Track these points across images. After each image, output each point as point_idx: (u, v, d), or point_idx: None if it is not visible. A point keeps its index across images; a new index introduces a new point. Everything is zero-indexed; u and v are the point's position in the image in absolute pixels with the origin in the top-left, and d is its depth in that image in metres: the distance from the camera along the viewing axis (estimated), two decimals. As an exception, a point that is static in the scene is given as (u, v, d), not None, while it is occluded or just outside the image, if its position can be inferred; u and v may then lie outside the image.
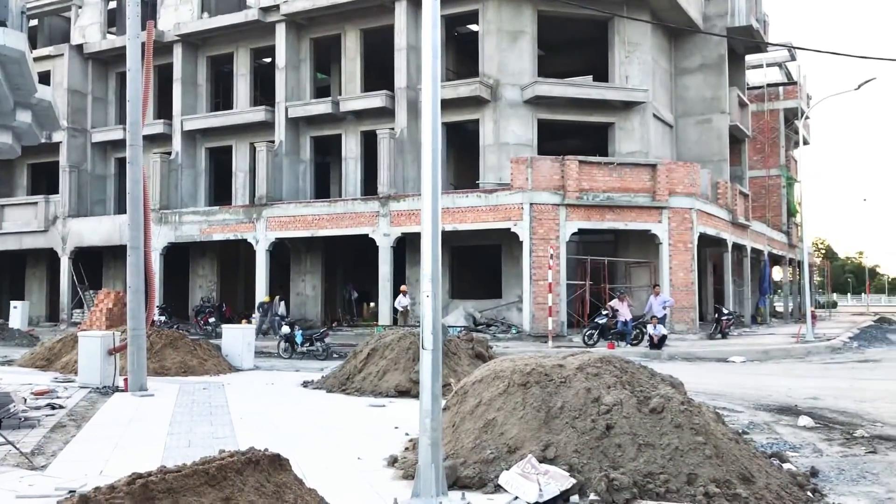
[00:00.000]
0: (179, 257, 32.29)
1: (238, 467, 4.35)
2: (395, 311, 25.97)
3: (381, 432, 8.53)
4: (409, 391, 11.43)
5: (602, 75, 29.54)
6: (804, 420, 9.57)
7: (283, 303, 28.17)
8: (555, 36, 29.56)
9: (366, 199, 27.30)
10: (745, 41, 33.46)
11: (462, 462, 6.20)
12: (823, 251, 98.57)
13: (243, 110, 31.85)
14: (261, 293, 28.20)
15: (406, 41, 27.66)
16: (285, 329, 19.97)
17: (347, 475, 6.59)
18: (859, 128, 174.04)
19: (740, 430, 8.51)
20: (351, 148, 29.91)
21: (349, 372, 12.63)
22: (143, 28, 13.40)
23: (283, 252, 30.33)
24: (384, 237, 26.20)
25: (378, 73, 30.14)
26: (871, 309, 68.35)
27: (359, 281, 32.28)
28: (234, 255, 33.75)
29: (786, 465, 6.82)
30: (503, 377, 6.92)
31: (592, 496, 5.48)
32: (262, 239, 28.56)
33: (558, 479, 5.52)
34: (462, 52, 31.53)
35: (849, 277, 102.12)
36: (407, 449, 7.26)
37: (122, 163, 33.40)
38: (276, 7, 30.01)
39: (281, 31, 30.34)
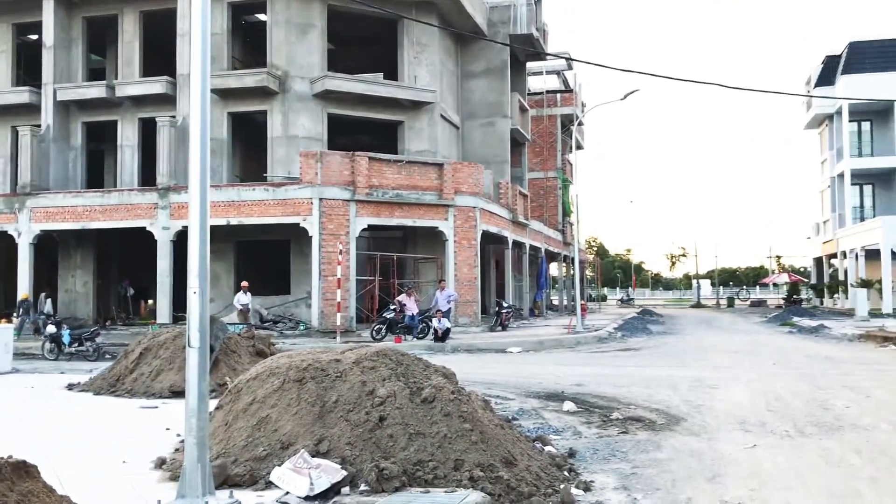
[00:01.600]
0: (-75, 251, 28.92)
1: (-26, 478, 3.99)
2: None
3: (151, 434, 8.16)
4: (184, 391, 10.94)
5: (392, 74, 29.98)
6: (568, 405, 10.27)
7: (49, 300, 26.06)
8: (346, 31, 29.58)
9: (143, 191, 25.88)
10: (526, 49, 35.28)
11: (233, 460, 6.08)
12: (596, 248, 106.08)
13: (4, 90, 29.20)
14: (23, 290, 25.89)
15: (189, 25, 26.42)
16: (51, 328, 18.56)
17: (111, 480, 6.24)
18: (627, 135, 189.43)
19: (510, 417, 8.99)
20: (128, 135, 28.23)
21: (119, 373, 11.94)
22: None
23: (50, 245, 28.05)
24: (163, 231, 24.96)
25: (159, 58, 28.63)
26: (636, 302, 74.71)
27: (136, 277, 30.48)
28: (-7, 249, 30.71)
29: (547, 448, 7.30)
30: (279, 374, 6.84)
31: (363, 486, 5.56)
32: (25, 231, 26.25)
33: (330, 472, 5.55)
34: (250, 42, 30.74)
35: (618, 273, 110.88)
36: (177, 450, 7.00)
37: None
38: (44, -20, 27.71)
39: (49, 6, 28.01)
